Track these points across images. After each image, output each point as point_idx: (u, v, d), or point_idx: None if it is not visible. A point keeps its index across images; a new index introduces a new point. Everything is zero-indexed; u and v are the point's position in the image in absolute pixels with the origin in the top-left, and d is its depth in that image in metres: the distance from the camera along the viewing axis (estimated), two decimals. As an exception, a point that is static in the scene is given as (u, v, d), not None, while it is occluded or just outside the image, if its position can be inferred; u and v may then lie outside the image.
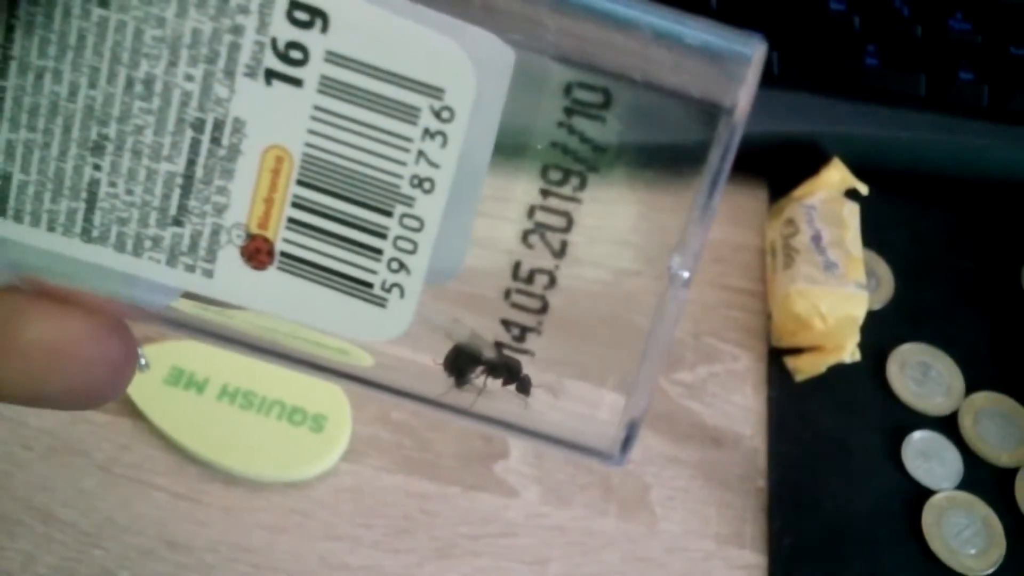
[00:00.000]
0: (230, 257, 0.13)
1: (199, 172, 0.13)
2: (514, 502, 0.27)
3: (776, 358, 0.30)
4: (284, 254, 0.13)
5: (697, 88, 0.13)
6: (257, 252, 0.13)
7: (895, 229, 0.34)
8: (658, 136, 0.13)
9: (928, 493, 0.28)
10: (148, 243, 0.13)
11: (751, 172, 0.34)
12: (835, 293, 0.30)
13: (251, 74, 0.12)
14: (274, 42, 0.12)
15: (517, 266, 0.14)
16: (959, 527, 0.28)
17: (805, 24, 0.34)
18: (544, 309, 0.14)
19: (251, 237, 0.13)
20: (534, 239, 0.14)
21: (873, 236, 0.32)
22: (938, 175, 0.34)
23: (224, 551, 0.25)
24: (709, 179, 0.13)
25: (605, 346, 0.15)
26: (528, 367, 0.14)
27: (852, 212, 0.32)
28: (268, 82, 0.12)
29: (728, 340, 0.31)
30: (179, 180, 0.13)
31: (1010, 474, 0.29)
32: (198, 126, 0.12)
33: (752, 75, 0.13)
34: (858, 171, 0.33)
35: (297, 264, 0.13)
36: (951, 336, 0.31)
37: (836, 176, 0.32)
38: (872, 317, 0.30)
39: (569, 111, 0.13)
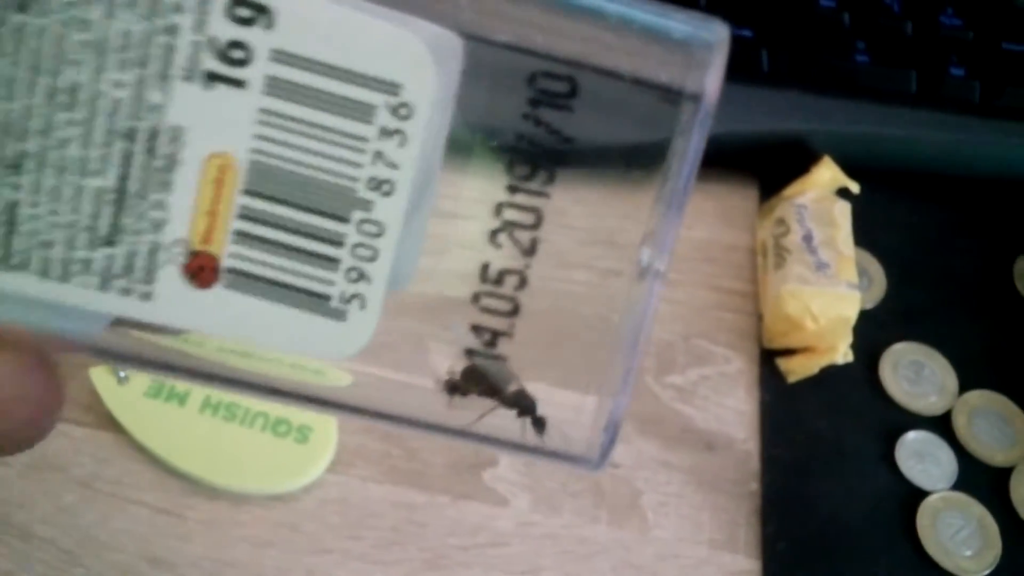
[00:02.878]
0: (171, 277, 0.12)
1: (133, 186, 0.12)
2: (504, 511, 0.26)
3: (768, 360, 0.30)
4: (231, 270, 0.12)
5: (663, 75, 0.12)
6: (201, 270, 0.12)
7: (887, 227, 0.33)
8: (626, 126, 0.13)
9: (923, 494, 0.28)
10: (77, 267, 0.12)
11: (741, 171, 0.34)
12: (827, 293, 0.29)
13: (189, 77, 0.11)
14: (213, 42, 0.11)
15: (485, 268, 0.13)
16: (954, 528, 0.27)
17: (795, 21, 0.33)
18: (516, 311, 0.13)
19: (194, 254, 0.12)
20: (502, 238, 0.13)
21: (865, 235, 0.32)
22: (930, 172, 0.34)
23: (208, 567, 0.25)
24: (679, 168, 0.12)
25: (581, 347, 0.14)
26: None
27: (843, 211, 0.31)
28: (208, 85, 0.11)
29: (719, 342, 0.30)
30: (110, 196, 0.12)
31: (1005, 474, 0.29)
32: (130, 136, 0.12)
33: (718, 60, 0.12)
34: (849, 169, 0.32)
35: (246, 280, 0.12)
36: (944, 335, 0.31)
37: (827, 175, 0.32)
38: (864, 317, 0.30)
39: (534, 102, 0.12)
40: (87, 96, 0.11)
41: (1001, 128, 0.33)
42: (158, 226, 0.12)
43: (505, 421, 0.14)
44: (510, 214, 0.13)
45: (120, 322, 0.12)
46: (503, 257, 0.13)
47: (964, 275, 0.33)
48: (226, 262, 0.12)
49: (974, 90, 0.33)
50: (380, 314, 0.13)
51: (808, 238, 0.30)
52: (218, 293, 0.12)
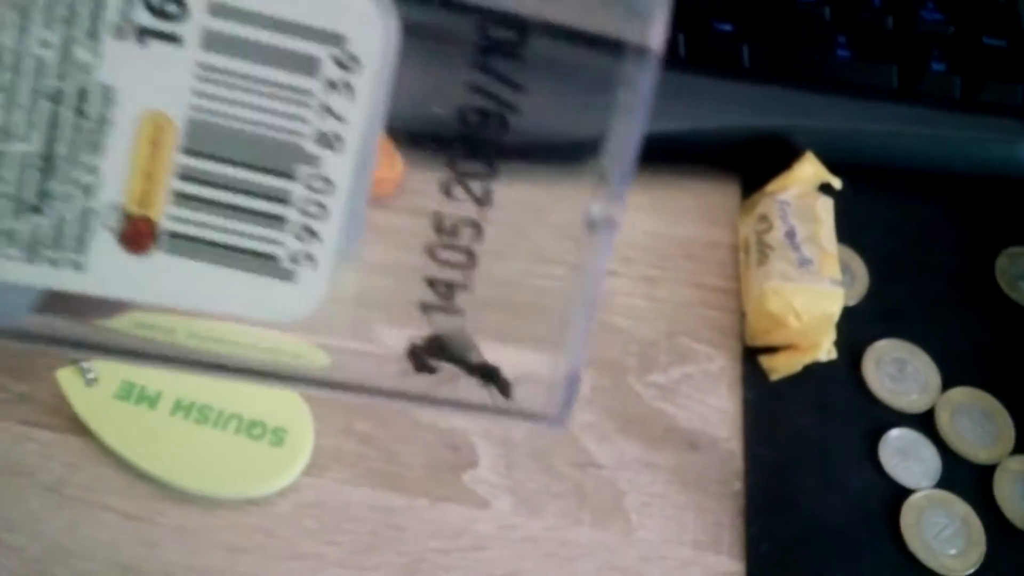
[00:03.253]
0: (105, 244, 0.12)
1: (61, 150, 0.11)
2: (485, 513, 0.26)
3: (751, 357, 0.30)
4: (171, 233, 0.12)
5: (608, 26, 0.12)
6: (138, 235, 0.12)
7: (869, 223, 0.33)
8: (574, 79, 0.13)
9: (906, 492, 0.28)
10: (1, 239, 0.11)
11: (723, 167, 0.34)
12: (810, 290, 0.29)
13: (120, 34, 0.11)
14: None
15: (439, 219, 0.13)
16: (939, 527, 0.27)
17: (775, 16, 0.33)
18: (472, 263, 0.13)
19: (130, 218, 0.12)
20: (456, 189, 0.13)
21: (847, 231, 0.32)
22: (911, 168, 0.34)
23: (180, 574, 0.24)
24: (627, 119, 0.12)
25: (537, 301, 0.14)
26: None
27: (826, 207, 0.31)
28: (141, 41, 0.11)
29: (702, 340, 0.30)
30: (36, 161, 0.11)
31: (988, 471, 0.28)
32: (57, 97, 0.11)
33: (660, 11, 0.12)
34: (831, 165, 0.32)
35: (187, 243, 0.12)
36: (927, 331, 0.31)
37: (809, 171, 0.32)
38: (847, 313, 0.30)
39: (484, 50, 0.12)
40: (9, 58, 0.11)
41: (982, 123, 0.33)
42: (89, 191, 0.11)
43: (468, 385, 0.14)
44: (463, 164, 0.13)
45: (60, 306, 0.12)
46: (457, 207, 0.13)
47: (946, 271, 0.33)
48: (165, 225, 0.12)
49: (955, 85, 0.33)
50: (332, 273, 0.12)
51: (791, 234, 0.30)
52: (157, 259, 0.12)
